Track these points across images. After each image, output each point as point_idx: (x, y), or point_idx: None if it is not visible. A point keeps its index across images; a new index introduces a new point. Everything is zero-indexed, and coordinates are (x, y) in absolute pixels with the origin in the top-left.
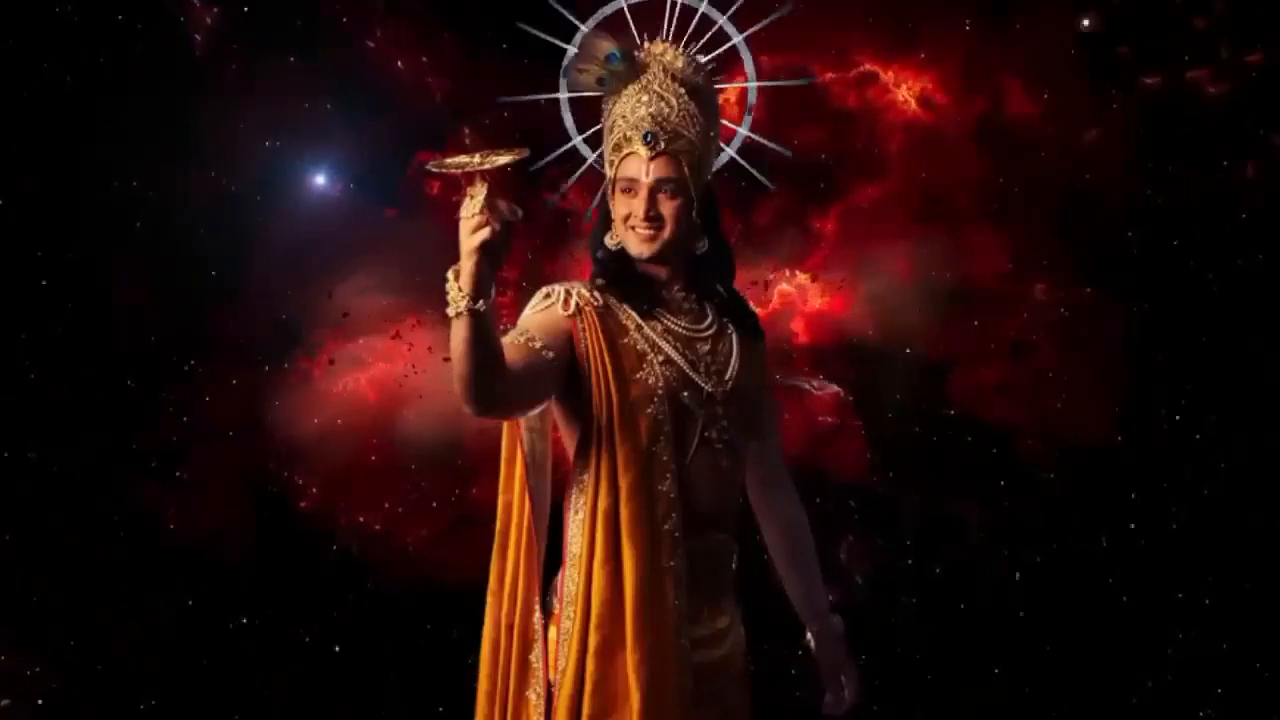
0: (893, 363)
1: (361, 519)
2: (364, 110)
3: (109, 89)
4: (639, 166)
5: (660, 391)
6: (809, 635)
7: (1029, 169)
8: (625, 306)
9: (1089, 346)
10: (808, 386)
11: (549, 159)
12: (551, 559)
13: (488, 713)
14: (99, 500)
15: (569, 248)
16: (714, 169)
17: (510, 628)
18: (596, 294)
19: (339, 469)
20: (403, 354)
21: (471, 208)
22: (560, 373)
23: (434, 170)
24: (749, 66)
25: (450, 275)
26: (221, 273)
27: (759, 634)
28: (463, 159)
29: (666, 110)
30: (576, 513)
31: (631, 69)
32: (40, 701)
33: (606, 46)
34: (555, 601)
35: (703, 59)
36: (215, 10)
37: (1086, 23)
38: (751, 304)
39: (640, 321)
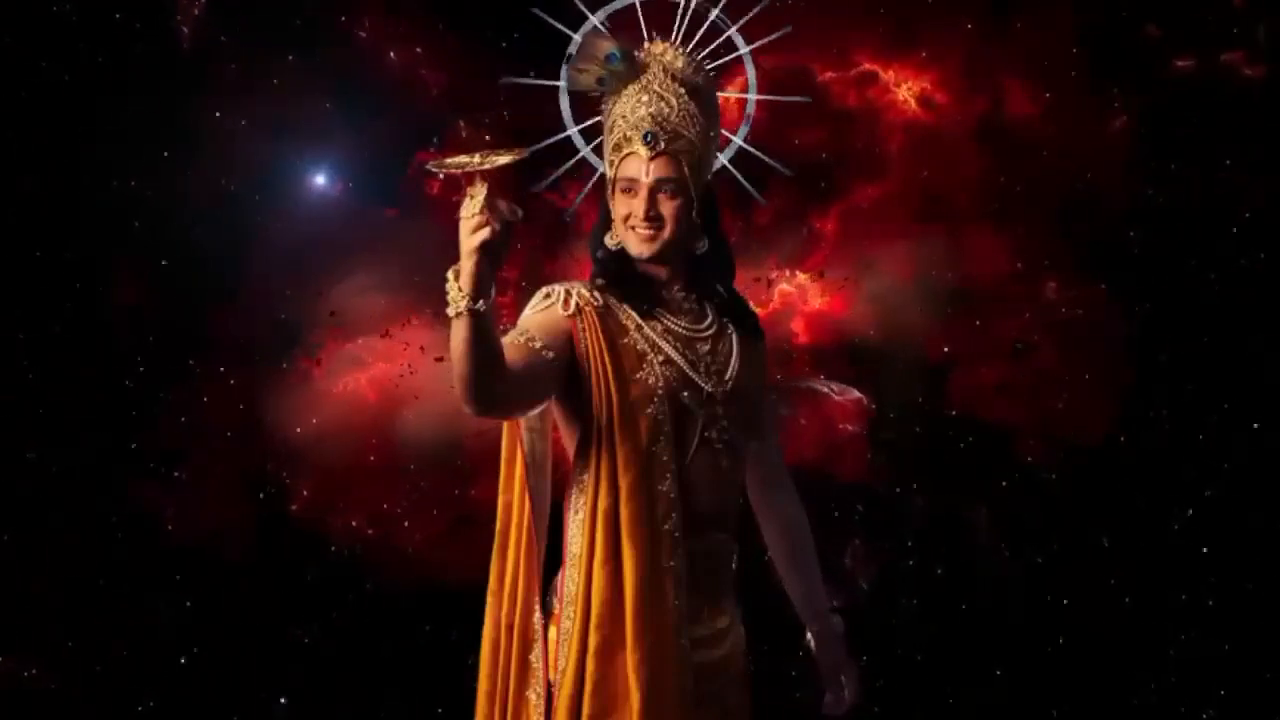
0: (893, 363)
1: (361, 519)
2: (364, 110)
3: (108, 88)
4: (639, 166)
5: (660, 391)
6: (809, 635)
7: (1030, 169)
8: (625, 306)
9: (1090, 346)
10: (826, 390)
11: (559, 172)
12: (551, 559)
13: (488, 713)
14: (98, 500)
15: (569, 248)
16: (713, 169)
17: (510, 628)
18: (596, 294)
19: (338, 469)
20: (403, 354)
21: (471, 208)
22: (560, 373)
23: (434, 170)
24: (750, 73)
25: (450, 275)
26: (221, 273)
27: (759, 634)
28: (463, 159)
29: (666, 110)
30: (576, 513)
31: (631, 69)
32: (39, 702)
33: (606, 46)
34: (555, 601)
35: (702, 58)
36: (215, 9)
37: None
38: (751, 304)
39: (640, 321)
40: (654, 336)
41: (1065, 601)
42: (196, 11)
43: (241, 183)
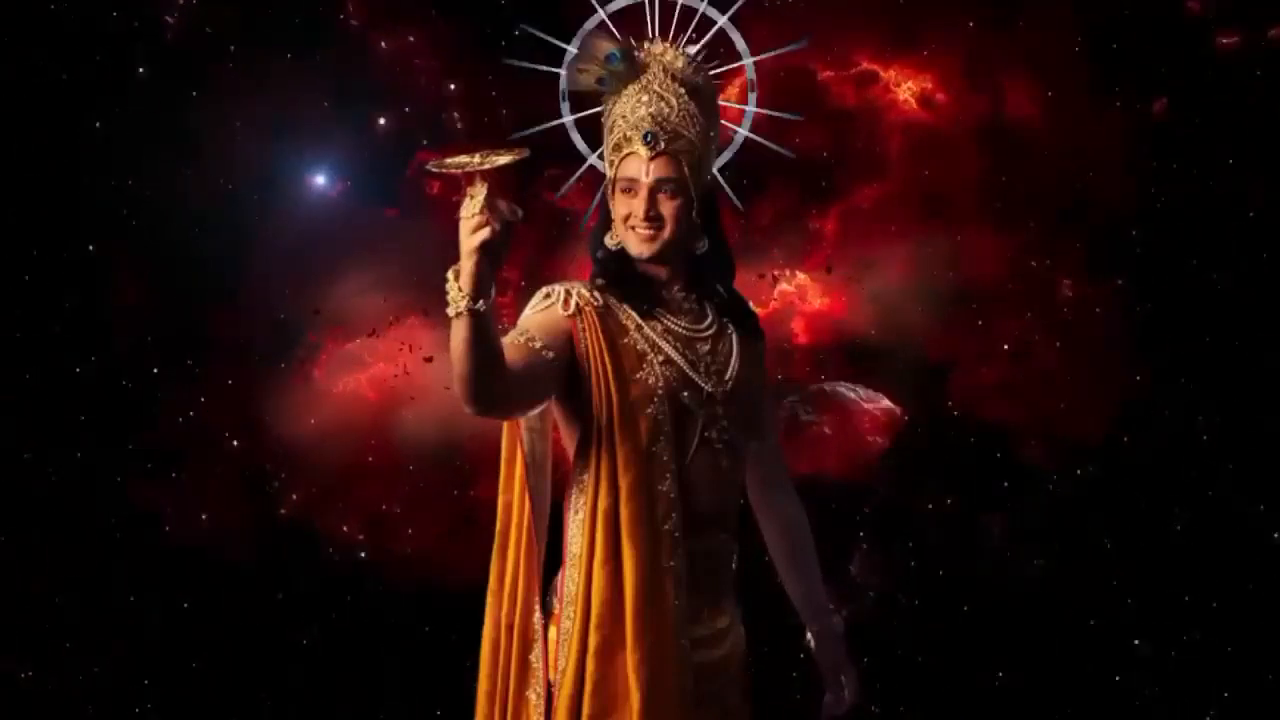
0: (893, 363)
1: (360, 520)
2: (364, 110)
3: (106, 88)
4: (639, 166)
5: (660, 391)
6: (809, 635)
7: (1030, 169)
8: (625, 306)
9: (1090, 346)
10: (854, 396)
11: (574, 179)
12: (551, 559)
13: (488, 713)
14: (96, 501)
15: (569, 248)
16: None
17: (510, 628)
18: (596, 294)
19: (338, 469)
20: (402, 354)
21: (471, 208)
22: (560, 373)
23: (434, 170)
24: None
25: (450, 275)
26: (221, 273)
27: (759, 634)
28: (463, 159)
29: (666, 110)
30: (576, 513)
31: (631, 69)
32: (37, 703)
33: (606, 46)
34: (555, 601)
35: (699, 55)
36: (215, 9)
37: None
38: (752, 304)
39: (640, 321)
40: (654, 336)
41: (1067, 603)
42: (196, 11)
43: (241, 182)
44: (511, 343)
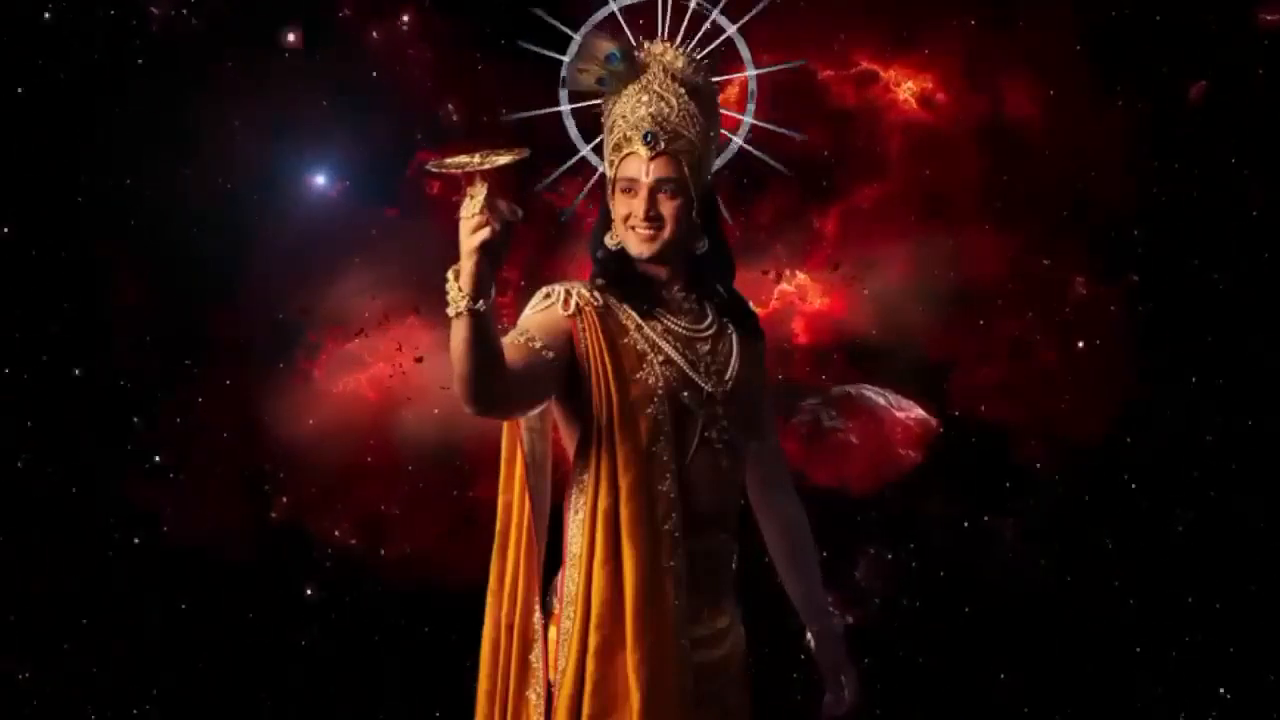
0: (893, 363)
1: (360, 520)
2: (364, 110)
3: (105, 87)
4: (639, 166)
5: (660, 391)
6: (809, 635)
7: (1030, 168)
8: (625, 306)
9: (1091, 347)
10: (882, 401)
11: (559, 172)
12: (551, 559)
13: (488, 713)
14: (95, 501)
15: (569, 248)
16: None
17: (510, 628)
18: (596, 294)
19: (338, 469)
20: (401, 354)
21: (471, 208)
22: (560, 373)
23: (434, 170)
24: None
25: (450, 275)
26: (220, 273)
27: (759, 634)
28: (463, 159)
29: (666, 110)
30: (576, 513)
31: (631, 69)
32: (35, 703)
33: (606, 46)
34: (555, 601)
35: (700, 55)
36: (214, 8)
37: None
38: (752, 304)
39: (640, 321)
40: (654, 336)
41: (1069, 604)
42: (195, 10)
43: (241, 182)
44: (511, 343)
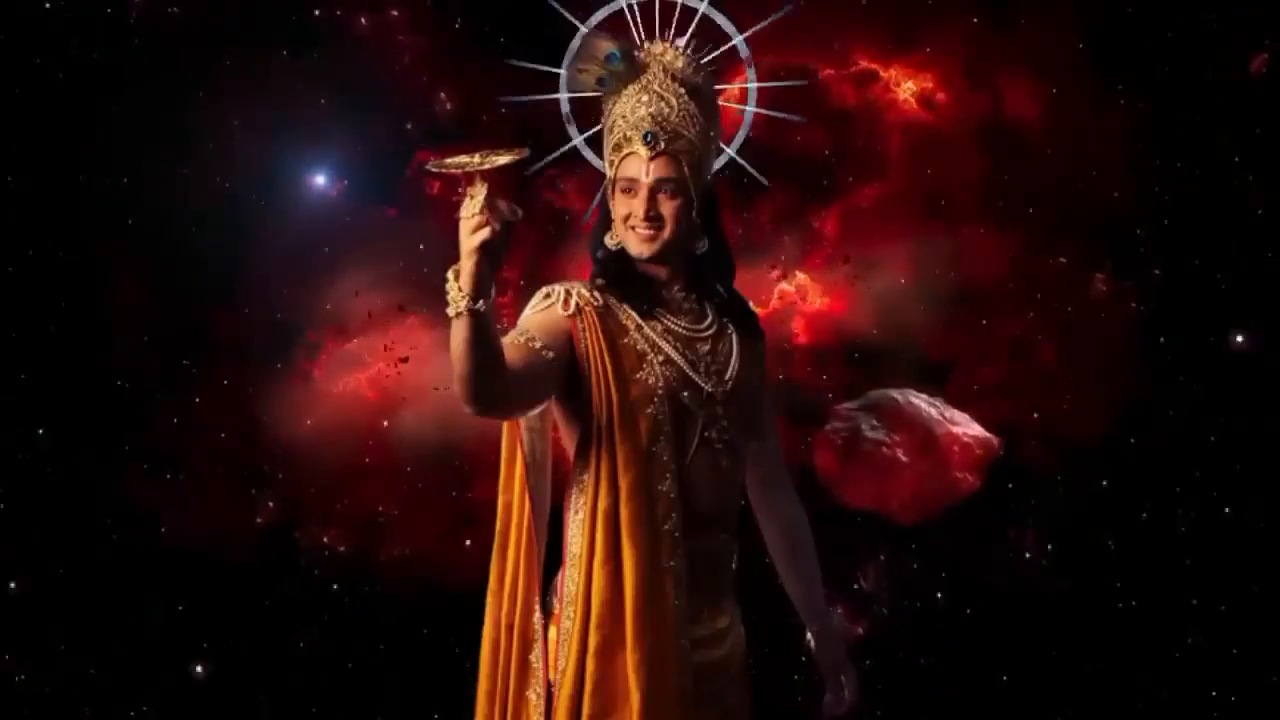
0: (893, 363)
1: (360, 520)
2: (363, 110)
3: (104, 86)
4: (639, 166)
5: (660, 391)
6: (809, 635)
7: (1030, 168)
8: (625, 306)
9: (1091, 346)
10: (934, 413)
11: (550, 158)
12: (551, 559)
13: (488, 713)
14: (94, 502)
15: (569, 248)
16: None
17: (510, 628)
18: (596, 294)
19: (337, 469)
20: (401, 354)
21: (471, 208)
22: (560, 373)
23: (434, 170)
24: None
25: (450, 275)
26: (220, 272)
27: (759, 634)
28: (463, 159)
29: (666, 110)
30: (576, 513)
31: (631, 69)
32: (33, 704)
33: (606, 46)
34: (555, 601)
35: (692, 48)
36: (214, 7)
37: None
38: (752, 304)
39: (640, 321)
40: (654, 336)
41: (1070, 604)
42: (195, 8)
43: (240, 182)
44: (511, 343)
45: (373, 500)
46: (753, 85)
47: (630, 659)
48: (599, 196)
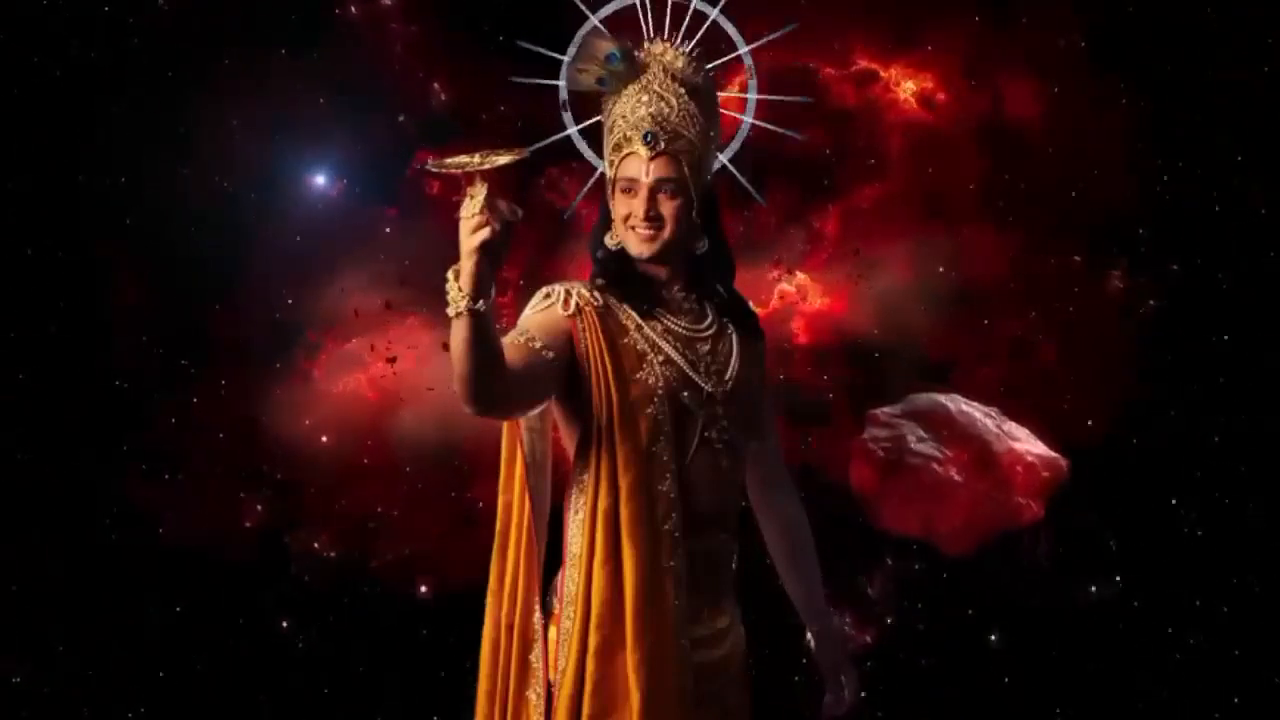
0: (893, 362)
1: (359, 520)
2: (363, 109)
3: (104, 86)
4: (639, 166)
5: (660, 391)
6: (809, 635)
7: (1030, 168)
8: (625, 306)
9: (1092, 346)
10: (991, 426)
11: (545, 143)
12: (551, 559)
13: (488, 713)
14: (92, 502)
15: (569, 248)
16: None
17: (510, 628)
18: (596, 294)
19: (337, 469)
20: (402, 353)
21: (471, 208)
22: (560, 373)
23: (434, 170)
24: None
25: (450, 275)
26: (219, 272)
27: (759, 634)
28: (463, 159)
29: (666, 110)
30: (576, 513)
31: (631, 69)
32: (31, 704)
33: (606, 46)
34: (555, 601)
35: (696, 52)
36: (214, 7)
37: None
38: (752, 304)
39: (640, 321)
40: (654, 336)
41: (1071, 605)
42: (194, 8)
43: (240, 182)
44: (511, 343)
45: (372, 500)
46: (752, 97)
47: (630, 659)
48: (585, 187)
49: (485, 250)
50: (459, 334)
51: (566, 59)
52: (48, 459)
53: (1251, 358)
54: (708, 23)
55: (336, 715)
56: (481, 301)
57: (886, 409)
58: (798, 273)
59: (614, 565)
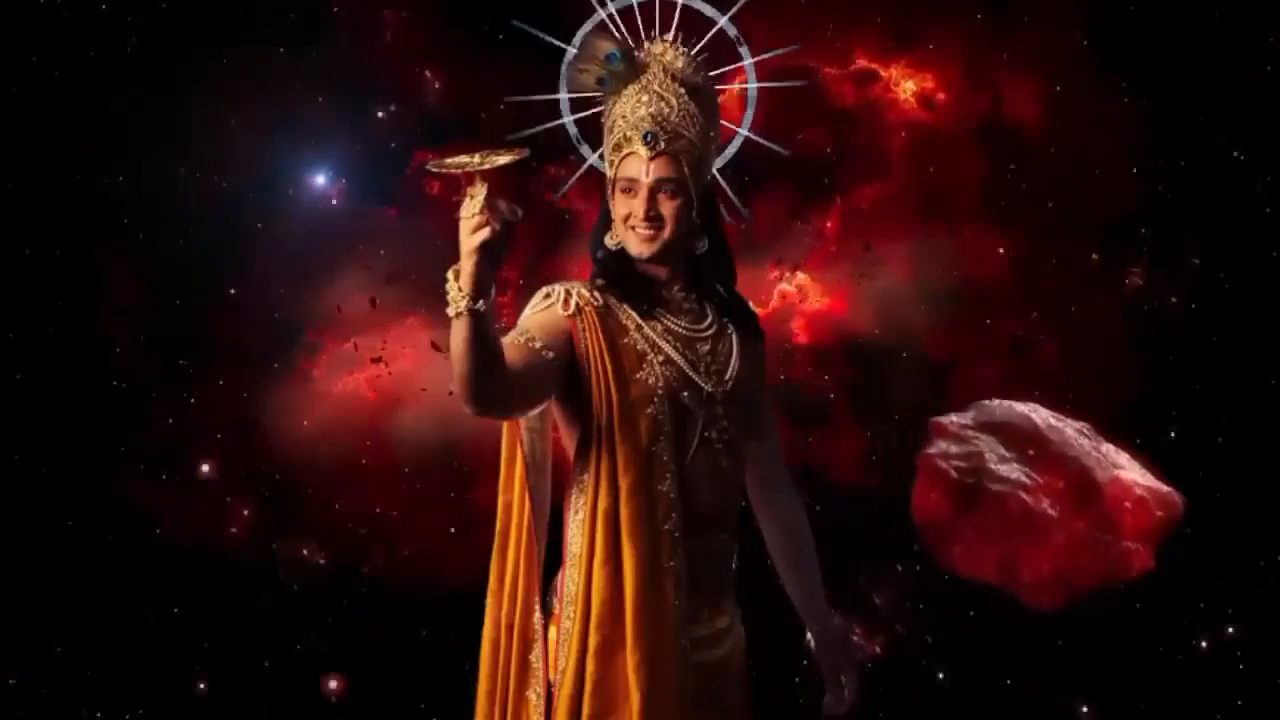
0: (893, 362)
1: (359, 520)
2: (362, 109)
3: (103, 85)
4: (639, 166)
5: (660, 391)
6: (809, 636)
7: (1030, 168)
8: (625, 306)
9: (1091, 346)
10: (1089, 448)
11: (537, 129)
12: (551, 559)
13: (488, 713)
14: (91, 502)
15: (569, 248)
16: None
17: (510, 628)
18: (596, 294)
19: (336, 470)
20: (401, 354)
21: (471, 208)
22: (560, 373)
23: (434, 170)
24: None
25: (450, 275)
26: (219, 272)
27: (759, 634)
28: (463, 159)
29: (666, 110)
30: (576, 513)
31: (631, 69)
32: (30, 705)
33: (606, 46)
34: (555, 601)
35: (698, 54)
36: (212, 6)
37: None
38: (752, 303)
39: (640, 321)
40: (654, 336)
41: (1072, 605)
42: (193, 8)
43: (239, 182)
44: (511, 343)
45: (372, 500)
46: (752, 85)
47: (630, 659)
48: (577, 176)
49: (485, 250)
50: (459, 334)
51: (567, 59)
52: (46, 459)
53: (1252, 358)
54: (715, 29)
55: (337, 715)
56: (481, 301)
57: (955, 417)
58: (798, 273)
59: (614, 565)
